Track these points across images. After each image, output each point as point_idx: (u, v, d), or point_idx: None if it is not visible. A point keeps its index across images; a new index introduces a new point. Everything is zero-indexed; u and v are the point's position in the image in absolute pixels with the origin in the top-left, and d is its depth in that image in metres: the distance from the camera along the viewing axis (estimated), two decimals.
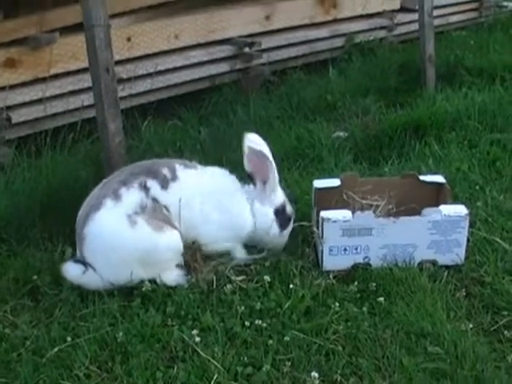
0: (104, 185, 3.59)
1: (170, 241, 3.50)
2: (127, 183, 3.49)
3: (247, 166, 3.67)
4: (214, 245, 3.67)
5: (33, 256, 3.83)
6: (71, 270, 3.48)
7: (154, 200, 3.49)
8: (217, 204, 3.64)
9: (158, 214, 3.49)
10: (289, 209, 3.81)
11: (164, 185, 3.53)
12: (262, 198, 3.72)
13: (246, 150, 3.63)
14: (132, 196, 3.46)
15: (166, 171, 3.58)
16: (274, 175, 3.69)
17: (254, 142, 3.68)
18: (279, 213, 3.75)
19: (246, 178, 3.78)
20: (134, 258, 3.41)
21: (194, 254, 3.63)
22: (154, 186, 3.51)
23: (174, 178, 3.58)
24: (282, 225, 3.76)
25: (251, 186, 3.74)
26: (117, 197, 3.44)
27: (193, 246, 3.64)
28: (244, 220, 3.70)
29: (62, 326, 3.26)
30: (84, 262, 3.46)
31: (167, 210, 3.53)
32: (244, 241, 3.76)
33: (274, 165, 3.66)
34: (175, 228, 3.53)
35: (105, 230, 3.41)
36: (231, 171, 3.85)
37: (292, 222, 3.83)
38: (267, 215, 3.72)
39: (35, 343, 3.15)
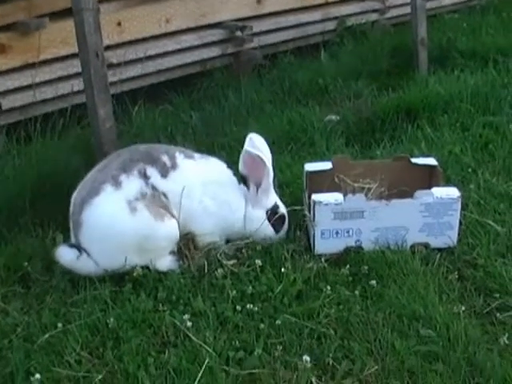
0: (101, 170, 3.55)
1: (169, 229, 3.48)
2: (127, 170, 3.45)
3: (242, 168, 3.65)
4: (207, 236, 3.64)
5: (23, 242, 3.82)
6: (65, 255, 3.44)
7: (154, 188, 3.47)
8: (216, 197, 3.62)
9: (156, 201, 3.47)
10: (281, 209, 3.76)
11: (164, 173, 3.50)
12: (254, 201, 3.69)
13: (243, 152, 3.60)
14: (132, 183, 3.43)
15: (165, 158, 3.55)
16: (269, 180, 3.65)
17: (253, 144, 3.66)
18: (271, 214, 3.71)
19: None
20: (132, 244, 3.39)
21: (187, 243, 3.62)
22: (153, 174, 3.48)
23: (174, 166, 3.55)
24: (276, 226, 3.73)
25: (244, 187, 3.70)
26: (117, 183, 3.41)
27: (187, 236, 3.62)
28: (239, 216, 3.68)
29: (53, 313, 3.24)
30: (78, 247, 3.43)
31: (165, 197, 3.50)
32: (235, 236, 3.73)
33: (270, 170, 3.62)
34: (173, 216, 3.52)
35: (104, 216, 3.38)
36: (222, 156, 3.84)
37: (286, 221, 3.79)
38: (259, 219, 3.69)
39: (26, 330, 3.13)
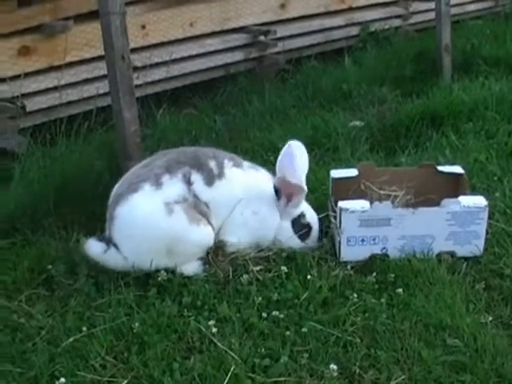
0: (145, 166, 3.53)
1: (203, 236, 3.46)
2: (171, 171, 3.43)
3: (276, 181, 3.61)
4: (238, 245, 3.61)
5: (47, 245, 3.82)
6: (93, 247, 3.45)
7: (195, 196, 3.44)
8: (258, 212, 3.59)
9: (197, 208, 3.44)
10: (308, 218, 3.72)
11: (209, 181, 3.47)
12: (282, 212, 3.65)
13: (282, 178, 3.55)
14: (174, 186, 3.40)
15: (213, 165, 3.51)
16: (302, 195, 3.61)
17: (291, 153, 3.61)
18: (296, 224, 3.68)
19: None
20: (163, 245, 3.38)
21: (216, 250, 3.59)
22: (197, 180, 3.44)
23: (221, 175, 3.51)
24: (302, 235, 3.69)
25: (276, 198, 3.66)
26: (157, 183, 3.38)
27: (217, 244, 3.59)
28: (272, 233, 3.65)
29: (78, 316, 3.23)
30: (107, 241, 3.43)
31: (207, 206, 3.48)
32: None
33: (303, 188, 3.57)
34: (210, 223, 3.49)
35: (138, 214, 3.36)
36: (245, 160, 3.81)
37: (314, 230, 3.74)
38: (285, 229, 3.66)
39: (50, 333, 3.13)
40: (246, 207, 3.55)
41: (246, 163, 3.70)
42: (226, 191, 3.51)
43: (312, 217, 3.74)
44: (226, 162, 3.57)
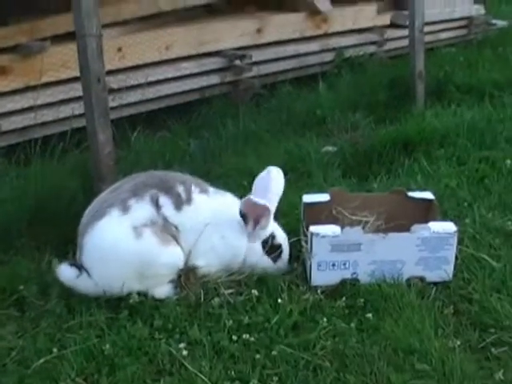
0: (112, 191, 3.54)
1: (173, 257, 3.48)
2: (138, 194, 3.44)
3: (242, 207, 3.61)
4: (208, 269, 3.62)
5: (19, 265, 3.80)
6: (65, 273, 3.44)
7: (165, 219, 3.45)
8: (225, 238, 3.60)
9: (167, 230, 3.46)
10: (278, 239, 3.74)
11: (177, 206, 3.49)
12: (252, 235, 3.67)
13: (247, 198, 3.57)
14: (142, 209, 3.41)
15: (181, 190, 3.53)
16: (269, 220, 3.64)
17: (269, 177, 3.69)
18: (267, 244, 3.69)
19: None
20: (134, 269, 3.39)
21: (187, 274, 3.59)
22: (166, 204, 3.46)
23: (189, 200, 3.53)
24: (273, 256, 3.70)
25: (242, 222, 3.67)
26: (124, 208, 3.39)
27: (188, 268, 3.59)
28: (241, 257, 3.66)
29: (48, 337, 3.23)
30: (79, 266, 3.43)
31: (176, 229, 3.49)
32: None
33: (271, 212, 3.62)
34: (179, 245, 3.51)
35: (106, 239, 3.37)
36: (219, 186, 3.84)
37: (285, 251, 3.77)
38: (255, 251, 3.68)
39: (21, 354, 3.12)
40: (213, 232, 3.56)
41: (211, 189, 3.72)
42: (193, 216, 3.52)
43: (282, 237, 3.77)
44: (193, 187, 3.59)
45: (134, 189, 3.47)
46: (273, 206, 3.65)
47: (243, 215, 3.64)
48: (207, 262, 3.60)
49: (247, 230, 3.65)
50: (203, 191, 3.64)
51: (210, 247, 3.57)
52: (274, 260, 3.71)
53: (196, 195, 3.58)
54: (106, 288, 3.41)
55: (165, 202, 3.47)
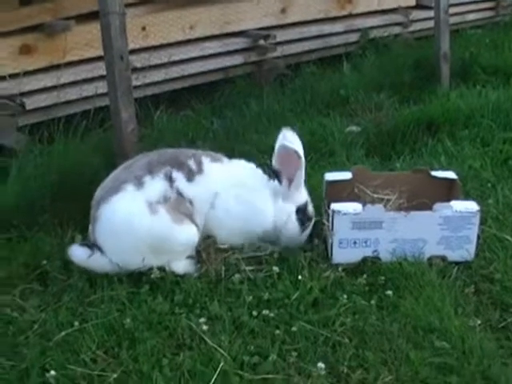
0: (125, 168, 3.57)
1: (187, 235, 3.49)
2: (152, 171, 3.47)
3: (276, 162, 3.63)
4: (230, 238, 3.65)
5: (43, 241, 3.85)
6: (76, 254, 3.49)
7: (179, 193, 3.47)
8: (241, 198, 3.61)
9: (181, 207, 3.47)
10: (310, 209, 3.78)
11: (190, 177, 3.51)
12: (286, 195, 3.68)
13: (278, 147, 3.60)
14: (156, 185, 3.44)
15: (191, 163, 3.56)
16: (301, 174, 3.65)
17: (288, 139, 3.65)
18: (301, 211, 3.72)
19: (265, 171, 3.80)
20: (147, 245, 3.40)
21: (207, 247, 3.63)
22: (179, 177, 3.49)
23: (200, 170, 3.56)
24: (303, 224, 3.73)
25: (276, 182, 3.69)
26: (140, 183, 3.42)
27: (207, 241, 3.63)
28: (265, 217, 3.67)
29: (70, 311, 3.27)
30: (90, 246, 3.47)
31: (191, 203, 3.51)
32: (261, 238, 3.72)
33: (304, 164, 3.63)
34: (194, 222, 3.52)
35: (119, 213, 3.39)
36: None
37: (312, 222, 3.79)
38: (289, 213, 3.69)
39: (43, 327, 3.16)
40: (228, 199, 3.58)
41: (225, 159, 3.75)
42: (206, 185, 3.55)
43: (312, 209, 3.80)
44: (203, 158, 3.62)
45: (148, 166, 3.49)
46: (301, 152, 3.62)
47: (276, 173, 3.66)
48: (226, 230, 3.62)
49: (283, 189, 3.66)
50: (215, 160, 3.67)
51: (225, 212, 3.58)
52: (303, 230, 3.73)
53: (207, 165, 3.60)
54: (119, 263, 3.44)
55: (177, 176, 3.49)
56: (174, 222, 3.41)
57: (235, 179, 3.65)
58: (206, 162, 3.61)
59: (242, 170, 3.74)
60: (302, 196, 3.74)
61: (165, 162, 3.52)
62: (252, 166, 3.78)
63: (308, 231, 3.78)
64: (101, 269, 3.46)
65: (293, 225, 3.70)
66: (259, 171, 3.75)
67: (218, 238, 3.63)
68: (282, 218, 3.67)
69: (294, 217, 3.69)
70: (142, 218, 3.37)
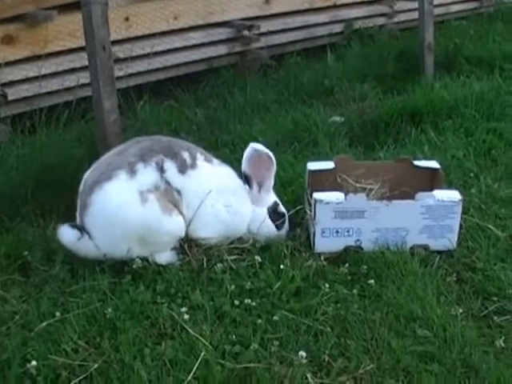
0: (118, 154, 3.53)
1: (175, 225, 3.48)
2: (145, 159, 3.44)
3: (245, 166, 3.66)
4: (211, 240, 3.64)
5: (24, 232, 3.84)
6: (66, 234, 3.43)
7: (167, 183, 3.45)
8: (230, 205, 3.62)
9: (169, 196, 3.46)
10: (281, 208, 3.79)
11: (182, 169, 3.50)
12: (256, 199, 3.70)
13: (249, 150, 3.63)
14: (148, 174, 3.42)
15: (186, 155, 3.55)
16: (271, 178, 3.67)
17: (256, 147, 3.68)
18: (272, 212, 3.74)
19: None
20: (136, 234, 3.39)
21: (190, 241, 3.61)
22: (170, 168, 3.47)
23: (194, 165, 3.55)
24: (277, 223, 3.74)
25: (247, 187, 3.72)
26: (132, 171, 3.39)
27: (190, 238, 3.62)
28: (245, 225, 3.70)
29: (52, 302, 3.25)
30: (80, 228, 3.43)
31: (179, 194, 3.50)
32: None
33: (272, 166, 3.64)
34: (181, 213, 3.51)
35: (112, 202, 3.36)
36: (226, 154, 3.84)
37: (287, 221, 3.80)
38: (261, 217, 3.70)
39: (24, 317, 3.14)
40: (216, 200, 3.58)
41: (215, 160, 3.74)
42: (197, 181, 3.54)
43: (283, 208, 3.81)
44: (198, 154, 3.61)
45: (141, 154, 3.47)
46: (272, 155, 3.65)
47: (246, 177, 3.68)
48: (211, 233, 3.62)
49: (252, 194, 3.67)
50: (207, 160, 3.66)
51: (214, 215, 3.59)
52: (278, 227, 3.73)
53: (201, 162, 3.59)
54: (106, 250, 3.42)
55: (169, 166, 3.47)
56: (164, 212, 3.40)
57: (226, 184, 3.66)
58: (201, 159, 3.61)
59: (230, 177, 3.73)
60: (271, 197, 3.76)
61: (158, 150, 3.50)
62: (235, 174, 3.76)
63: (285, 227, 3.79)
64: (86, 253, 3.44)
65: (268, 227, 3.72)
66: (240, 180, 3.74)
67: (201, 238, 3.62)
68: (256, 224, 3.69)
69: (267, 220, 3.72)
70: (133, 208, 3.35)
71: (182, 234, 3.55)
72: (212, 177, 3.61)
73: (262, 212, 3.71)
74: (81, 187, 3.50)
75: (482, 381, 2.80)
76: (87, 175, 3.50)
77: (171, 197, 3.47)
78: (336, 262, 3.57)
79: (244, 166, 3.66)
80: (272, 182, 3.71)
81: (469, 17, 9.42)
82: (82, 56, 5.23)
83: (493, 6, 9.80)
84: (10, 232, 3.87)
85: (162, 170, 3.45)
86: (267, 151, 3.61)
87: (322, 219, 3.59)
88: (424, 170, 4.01)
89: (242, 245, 3.65)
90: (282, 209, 3.78)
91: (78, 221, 3.50)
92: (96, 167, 3.51)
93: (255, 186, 3.68)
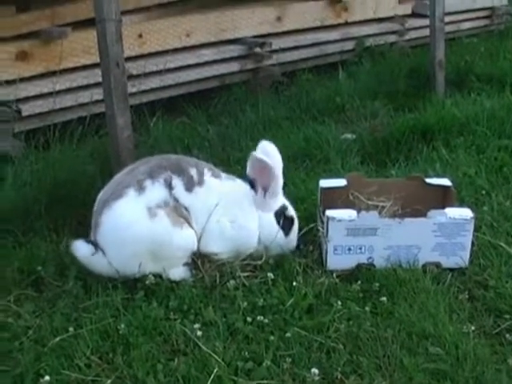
0: (128, 172, 3.57)
1: (186, 239, 3.50)
2: (153, 176, 3.47)
3: (249, 172, 3.67)
4: (220, 256, 3.65)
5: (38, 247, 3.85)
6: (81, 249, 3.45)
7: (176, 200, 3.48)
8: (235, 220, 3.63)
9: (178, 211, 3.48)
10: (289, 211, 3.77)
11: (189, 187, 3.52)
12: (262, 204, 3.69)
13: (251, 158, 3.62)
14: (156, 190, 3.44)
15: (194, 172, 3.57)
16: (276, 185, 3.66)
17: (263, 150, 3.71)
18: (279, 216, 3.72)
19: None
20: (147, 250, 3.41)
21: (203, 257, 3.63)
22: (178, 185, 3.50)
23: (201, 182, 3.57)
24: (285, 228, 3.73)
25: (253, 192, 3.71)
26: (140, 188, 3.43)
27: (202, 253, 3.64)
28: (255, 240, 3.69)
29: (65, 317, 3.26)
30: (95, 244, 3.45)
31: (187, 210, 3.52)
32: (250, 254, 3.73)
33: (277, 175, 3.63)
34: (192, 228, 3.53)
35: (122, 220, 3.39)
36: (238, 171, 3.84)
37: (296, 224, 3.79)
38: (268, 222, 3.70)
39: (37, 333, 3.15)
40: (222, 216, 3.59)
41: (223, 174, 3.75)
42: (204, 198, 3.56)
43: (292, 210, 3.80)
44: (205, 170, 3.64)
45: (149, 171, 3.50)
46: (277, 169, 3.64)
47: (251, 182, 3.68)
48: (220, 247, 3.63)
49: (257, 199, 3.68)
50: (215, 176, 3.68)
51: (220, 232, 3.60)
52: (286, 233, 3.73)
53: (208, 178, 3.62)
54: (119, 268, 3.44)
55: (177, 183, 3.50)
56: (174, 226, 3.42)
57: (233, 199, 3.65)
58: (208, 175, 3.63)
59: (238, 191, 3.72)
60: (278, 202, 3.74)
61: (166, 167, 3.53)
62: (246, 186, 3.74)
63: (294, 233, 3.78)
64: (99, 270, 3.46)
65: (275, 231, 3.70)
66: (251, 192, 3.71)
67: (209, 253, 3.64)
68: (263, 231, 3.69)
69: (274, 224, 3.70)
70: (141, 224, 3.38)
71: (194, 248, 3.56)
72: (218, 192, 3.62)
73: (268, 217, 3.71)
74: (94, 206, 3.54)
75: None
76: (100, 195, 3.55)
77: (181, 213, 3.49)
78: (348, 279, 3.57)
79: (248, 171, 3.67)
80: (277, 187, 3.68)
81: (479, 34, 9.45)
82: (95, 72, 5.28)
83: (503, 23, 9.84)
84: (23, 247, 3.89)
85: (170, 186, 3.48)
86: (264, 159, 3.58)
87: (334, 236, 3.60)
88: (436, 187, 4.01)
89: (254, 261, 3.65)
90: (290, 212, 3.76)
91: (92, 239, 3.52)
92: (108, 187, 3.56)
93: (260, 191, 3.67)
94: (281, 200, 3.76)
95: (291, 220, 3.76)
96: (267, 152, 3.71)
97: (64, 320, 3.23)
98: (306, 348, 3.04)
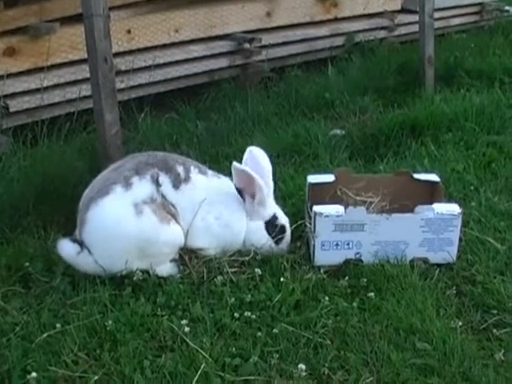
0: (114, 169, 3.55)
1: (174, 235, 3.50)
2: (140, 172, 3.47)
3: (235, 181, 3.65)
4: (206, 252, 3.65)
5: (25, 243, 3.84)
6: (66, 248, 3.45)
7: (163, 197, 3.48)
8: (220, 217, 3.62)
9: (166, 208, 3.48)
10: (281, 220, 3.74)
11: (176, 184, 3.52)
12: (251, 212, 3.68)
13: (234, 169, 3.60)
14: (143, 187, 3.44)
15: (180, 169, 3.56)
16: (262, 193, 3.62)
17: (251, 157, 3.72)
18: (270, 225, 3.70)
19: None
20: (134, 247, 3.40)
21: (190, 253, 3.63)
22: (165, 182, 3.49)
23: (187, 179, 3.56)
24: (276, 237, 3.70)
25: (241, 199, 3.70)
26: (127, 184, 3.41)
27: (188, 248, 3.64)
28: (240, 238, 3.68)
29: (52, 313, 3.25)
30: (80, 243, 3.44)
31: (174, 207, 3.52)
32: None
33: (260, 183, 3.59)
34: (179, 224, 3.53)
35: (109, 217, 3.38)
36: (227, 167, 3.84)
37: (288, 232, 3.76)
38: (257, 230, 3.69)
39: (25, 329, 3.14)
40: (207, 212, 3.59)
41: (210, 172, 3.75)
42: (190, 195, 3.55)
43: (284, 219, 3.77)
44: (192, 168, 3.63)
45: (136, 167, 3.49)
46: (254, 174, 3.59)
47: (239, 191, 3.67)
48: (206, 244, 3.63)
49: (246, 207, 3.66)
50: (202, 173, 3.67)
51: (206, 228, 3.59)
52: (277, 242, 3.71)
53: (194, 175, 3.61)
54: (106, 265, 3.43)
55: (164, 180, 3.50)
56: (161, 222, 3.41)
57: (218, 196, 3.65)
58: (194, 172, 3.62)
59: (224, 189, 3.71)
60: (269, 210, 3.72)
61: (153, 164, 3.53)
62: (232, 184, 3.72)
63: (286, 241, 3.76)
64: (85, 268, 3.45)
65: (265, 240, 3.68)
66: (236, 192, 3.71)
67: (196, 249, 3.64)
68: (254, 237, 3.68)
69: (264, 233, 3.69)
70: (128, 220, 3.37)
71: (181, 244, 3.56)
72: (204, 189, 3.61)
73: (258, 225, 3.69)
74: (80, 204, 3.52)
75: None
76: (86, 192, 3.54)
77: (168, 209, 3.49)
78: (336, 274, 3.58)
79: (234, 181, 3.66)
80: (265, 196, 3.64)
81: (469, 30, 9.45)
82: (83, 68, 5.26)
83: (493, 19, 9.83)
84: (10, 243, 3.87)
85: (157, 183, 3.47)
86: (244, 169, 3.57)
87: (321, 232, 3.60)
88: (424, 183, 4.01)
89: (242, 257, 3.65)
90: (281, 221, 3.73)
91: (78, 237, 3.51)
92: (94, 184, 3.54)
93: (248, 199, 3.65)
94: (272, 208, 3.74)
95: (282, 229, 3.73)
96: (255, 158, 3.71)
97: (51, 316, 3.23)
98: (294, 344, 3.05)
